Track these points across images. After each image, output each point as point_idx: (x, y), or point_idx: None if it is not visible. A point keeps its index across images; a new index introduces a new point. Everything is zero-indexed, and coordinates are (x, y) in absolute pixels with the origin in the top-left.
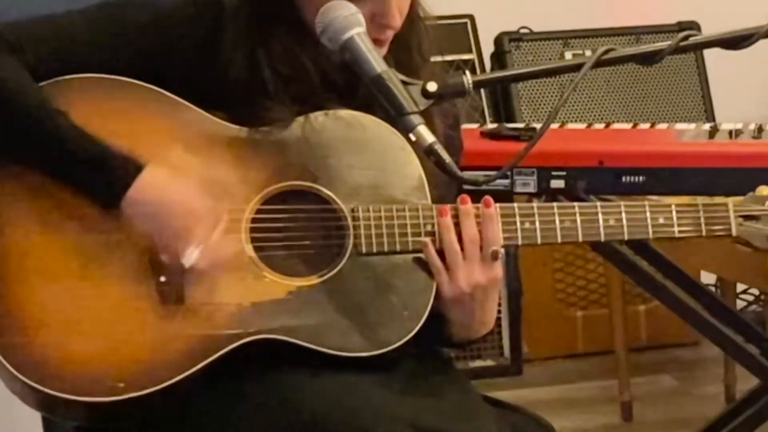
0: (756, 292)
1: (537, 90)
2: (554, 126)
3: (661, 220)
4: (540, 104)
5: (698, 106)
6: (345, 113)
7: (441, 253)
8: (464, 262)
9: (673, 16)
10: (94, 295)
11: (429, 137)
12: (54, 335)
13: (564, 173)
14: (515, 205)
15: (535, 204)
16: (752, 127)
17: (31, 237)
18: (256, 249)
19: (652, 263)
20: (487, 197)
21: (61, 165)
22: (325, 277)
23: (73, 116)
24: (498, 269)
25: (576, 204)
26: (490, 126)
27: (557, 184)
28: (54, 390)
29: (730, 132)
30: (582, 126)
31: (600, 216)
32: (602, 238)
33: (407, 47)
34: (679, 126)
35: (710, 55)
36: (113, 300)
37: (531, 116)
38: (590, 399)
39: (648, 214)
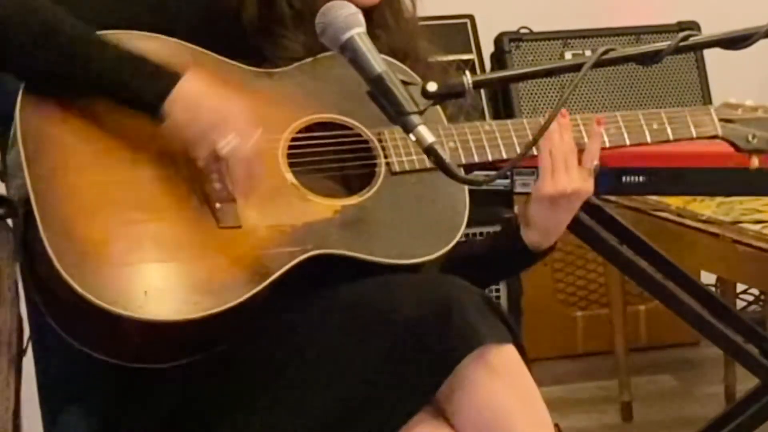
0: (756, 292)
1: (537, 90)
2: None
3: (655, 126)
4: (540, 104)
5: (698, 105)
6: None
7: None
8: (566, 166)
9: (673, 16)
10: (155, 224)
11: (429, 137)
12: (122, 262)
13: None
14: (509, 121)
15: (540, 119)
16: None
17: (90, 176)
18: (295, 175)
19: (652, 263)
20: (599, 117)
21: (108, 74)
22: (365, 196)
23: None
24: (591, 183)
25: (578, 116)
26: None
27: None
28: (131, 312)
29: None
30: None
31: (601, 126)
32: (607, 144)
33: (403, 49)
34: None
35: (710, 55)
36: (174, 227)
37: (531, 116)
38: (590, 399)
39: (642, 121)
